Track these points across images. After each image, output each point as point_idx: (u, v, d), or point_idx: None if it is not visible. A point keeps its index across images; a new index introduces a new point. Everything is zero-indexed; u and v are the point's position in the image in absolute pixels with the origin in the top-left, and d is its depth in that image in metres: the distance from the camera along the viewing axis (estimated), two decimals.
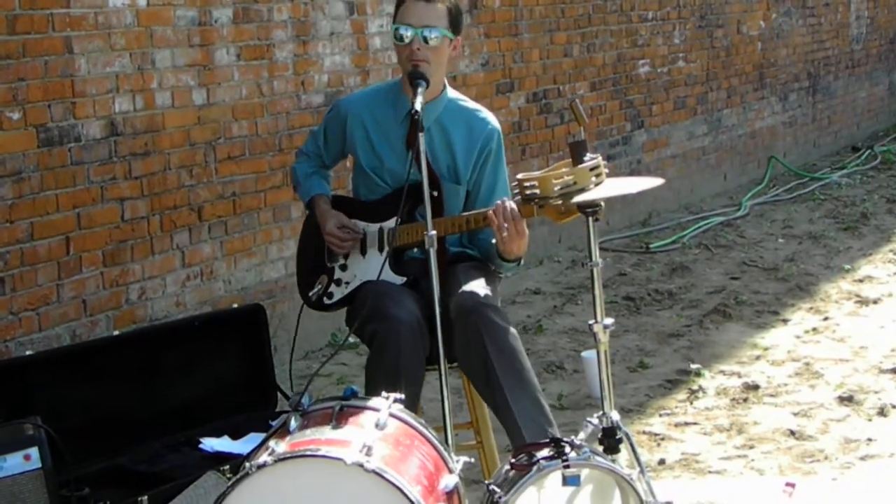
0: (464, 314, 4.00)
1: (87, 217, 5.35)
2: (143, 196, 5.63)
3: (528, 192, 3.86)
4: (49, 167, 5.17)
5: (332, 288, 4.33)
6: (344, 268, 4.33)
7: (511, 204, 3.94)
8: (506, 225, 3.92)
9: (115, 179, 5.49)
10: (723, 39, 11.01)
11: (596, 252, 3.80)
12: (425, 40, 4.11)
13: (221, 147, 6.07)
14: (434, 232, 3.76)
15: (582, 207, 3.76)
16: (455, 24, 4.19)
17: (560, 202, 3.80)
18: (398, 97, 4.26)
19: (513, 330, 4.07)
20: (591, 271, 3.80)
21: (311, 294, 4.34)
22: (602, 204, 3.78)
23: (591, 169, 3.78)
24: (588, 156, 3.80)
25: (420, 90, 3.95)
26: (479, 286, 4.11)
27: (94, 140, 5.39)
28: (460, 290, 4.07)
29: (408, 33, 4.11)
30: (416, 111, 3.81)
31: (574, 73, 8.94)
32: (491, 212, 3.96)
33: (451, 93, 4.35)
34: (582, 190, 3.76)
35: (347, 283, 4.31)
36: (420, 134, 3.78)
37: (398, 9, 4.21)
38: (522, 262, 4.20)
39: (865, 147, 13.25)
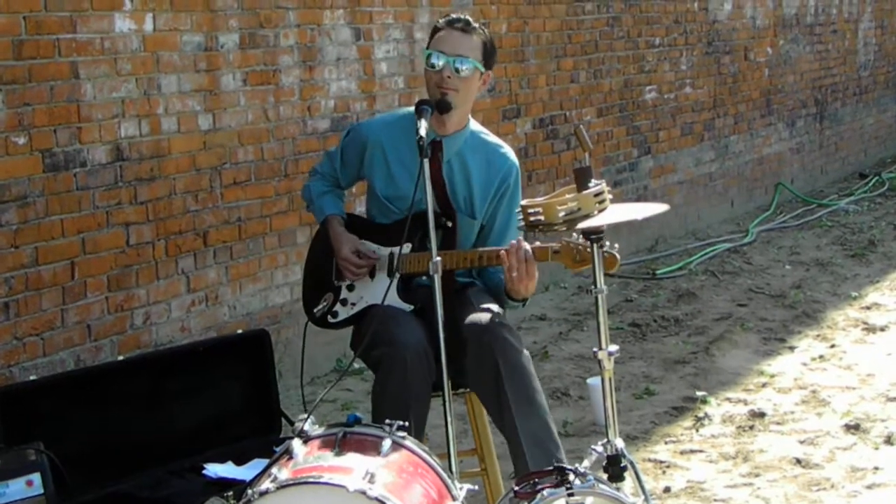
0: (478, 333, 4.02)
1: (92, 242, 5.35)
2: (148, 221, 5.63)
3: (532, 218, 3.84)
4: (54, 192, 5.18)
5: (338, 307, 4.32)
6: (351, 288, 4.32)
7: (526, 246, 3.95)
8: (517, 265, 3.93)
9: (120, 204, 5.49)
10: (730, 66, 11.02)
11: (601, 279, 3.79)
12: (457, 70, 4.13)
13: (227, 172, 6.08)
14: (439, 258, 3.76)
15: (586, 234, 3.75)
16: (488, 58, 4.23)
17: (564, 228, 3.79)
18: (414, 125, 4.26)
19: (526, 352, 4.09)
20: (596, 298, 3.79)
21: (315, 310, 4.34)
22: (604, 230, 3.77)
23: (596, 195, 3.77)
24: (593, 182, 3.80)
25: (425, 116, 3.96)
26: (493, 307, 4.13)
27: (100, 165, 5.39)
28: (477, 309, 4.09)
29: (440, 62, 4.13)
30: (421, 137, 3.83)
31: (581, 99, 8.95)
32: (504, 251, 3.97)
33: (474, 125, 4.36)
34: (586, 216, 3.75)
35: (353, 303, 4.30)
36: (425, 160, 3.79)
37: (433, 35, 4.23)
38: (528, 302, 4.20)
39: (873, 174, 13.24)
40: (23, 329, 5.05)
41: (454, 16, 4.24)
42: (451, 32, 4.17)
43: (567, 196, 3.82)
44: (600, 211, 3.78)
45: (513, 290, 4.03)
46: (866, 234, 10.26)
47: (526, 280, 3.97)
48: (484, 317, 4.07)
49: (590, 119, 9.02)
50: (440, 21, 4.27)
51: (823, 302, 8.04)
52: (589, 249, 3.79)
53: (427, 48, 4.23)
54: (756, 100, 11.53)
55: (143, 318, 5.64)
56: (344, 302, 4.32)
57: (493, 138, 4.39)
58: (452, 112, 4.15)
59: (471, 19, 4.23)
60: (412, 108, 4.22)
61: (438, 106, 4.11)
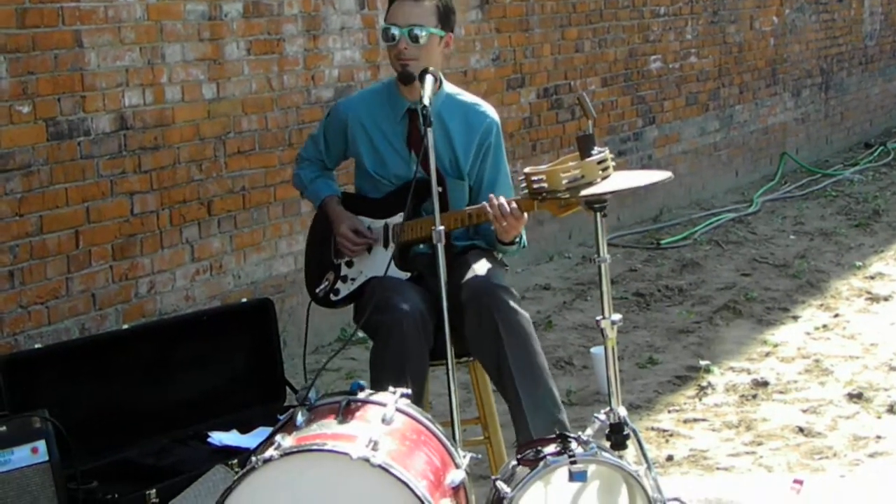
0: (476, 296, 4.03)
1: (96, 211, 5.36)
2: (152, 190, 5.63)
3: (535, 185, 3.85)
4: (58, 161, 5.18)
5: (339, 284, 4.34)
6: (350, 264, 4.33)
7: (500, 200, 3.97)
8: (501, 218, 3.97)
9: (124, 173, 5.49)
10: (735, 35, 10.98)
11: (604, 247, 3.79)
12: (413, 39, 4.12)
13: (231, 141, 6.07)
14: (442, 227, 3.76)
15: (589, 202, 3.76)
16: (445, 20, 4.20)
17: (568, 195, 3.79)
18: (394, 96, 4.28)
19: (525, 313, 4.09)
20: (599, 266, 3.80)
21: (317, 290, 4.35)
22: (608, 198, 3.78)
23: (599, 162, 3.78)
24: (596, 149, 3.80)
25: (428, 83, 3.95)
26: (491, 270, 4.14)
27: (104, 134, 5.39)
28: (475, 273, 4.10)
29: (395, 32, 4.12)
30: (425, 105, 3.82)
31: (585, 69, 8.93)
32: (486, 204, 4.00)
33: (449, 87, 4.36)
34: (590, 183, 3.76)
35: (353, 279, 4.32)
36: (428, 129, 3.79)
37: (388, 8, 4.22)
38: (524, 242, 4.22)
39: (878, 144, 13.21)
40: (28, 297, 5.06)
41: None
42: (402, 4, 4.15)
43: (570, 164, 3.83)
44: (604, 178, 3.78)
45: (504, 236, 4.08)
46: (871, 204, 10.25)
47: (516, 226, 4.02)
48: (482, 280, 4.08)
49: (594, 89, 9.00)
50: None
51: (827, 272, 8.04)
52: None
53: (384, 22, 4.21)
54: (761, 69, 11.50)
55: (148, 286, 5.65)
56: (345, 279, 4.34)
57: (469, 97, 4.39)
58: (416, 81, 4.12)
59: None
60: (388, 79, 4.23)
61: (401, 78, 4.15)
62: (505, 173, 4.37)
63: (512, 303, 4.06)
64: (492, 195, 4.03)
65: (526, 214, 4.00)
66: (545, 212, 4.03)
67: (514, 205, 3.96)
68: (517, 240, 4.18)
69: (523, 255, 4.22)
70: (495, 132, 4.34)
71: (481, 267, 4.15)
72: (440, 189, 4.09)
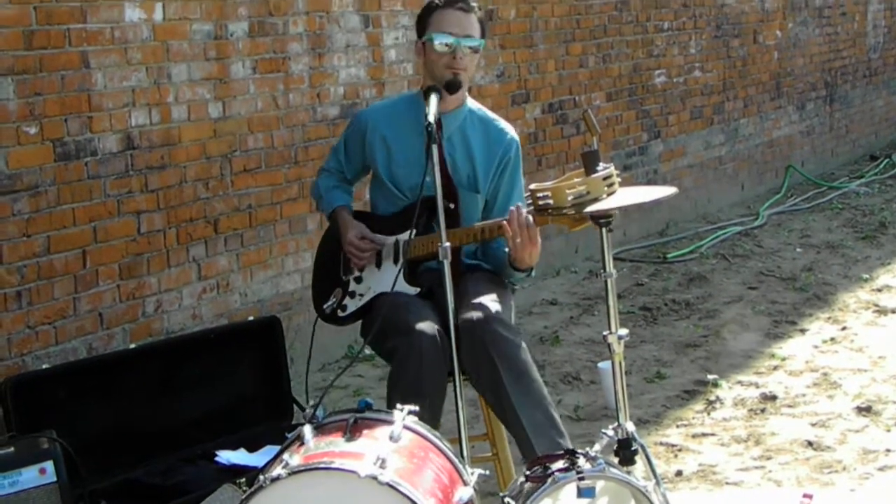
0: (470, 329, 3.97)
1: (103, 230, 5.37)
2: (159, 209, 5.65)
3: (541, 202, 3.86)
4: (66, 181, 5.19)
5: (347, 300, 4.32)
6: (359, 280, 4.33)
7: (524, 210, 3.94)
8: (518, 231, 3.92)
9: (131, 193, 5.51)
10: (739, 49, 10.99)
11: (610, 262, 3.80)
12: (471, 50, 4.15)
13: (237, 160, 6.09)
14: (448, 244, 3.75)
15: (595, 217, 3.76)
16: (484, 31, 4.25)
17: (573, 212, 3.79)
18: (419, 109, 4.22)
19: (522, 343, 4.04)
20: (606, 282, 3.80)
21: (325, 307, 4.34)
22: (614, 213, 3.78)
23: (604, 178, 3.78)
24: (601, 165, 3.80)
25: (434, 100, 3.95)
26: (488, 299, 4.09)
27: (111, 154, 5.41)
28: (469, 304, 4.06)
29: (452, 42, 4.13)
30: (430, 123, 3.81)
31: (590, 84, 8.94)
32: (504, 221, 3.96)
33: (472, 103, 4.38)
34: (595, 199, 3.76)
35: (362, 294, 4.31)
36: (434, 146, 3.78)
37: (429, 15, 4.21)
38: (534, 272, 4.20)
39: (883, 156, 13.20)
40: (35, 318, 5.07)
41: None
42: (455, 13, 4.17)
43: (576, 180, 3.83)
44: (609, 194, 3.78)
45: (517, 259, 4.03)
46: (877, 216, 10.24)
47: (529, 247, 3.96)
48: (476, 313, 4.02)
49: (599, 103, 9.01)
50: (435, 1, 4.23)
51: (834, 284, 8.03)
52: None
53: (427, 30, 4.20)
54: (766, 83, 11.51)
55: (155, 305, 5.65)
56: (352, 294, 4.33)
57: (491, 114, 4.41)
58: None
59: None
60: (409, 92, 4.22)
61: (448, 86, 4.12)
62: (520, 191, 4.36)
63: (507, 334, 4.00)
64: (516, 206, 3.97)
65: (539, 242, 3.98)
66: (552, 226, 4.02)
67: (529, 217, 3.95)
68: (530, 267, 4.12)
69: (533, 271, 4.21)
70: (515, 150, 4.35)
71: (480, 295, 4.11)
72: (452, 205, 4.10)
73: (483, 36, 4.22)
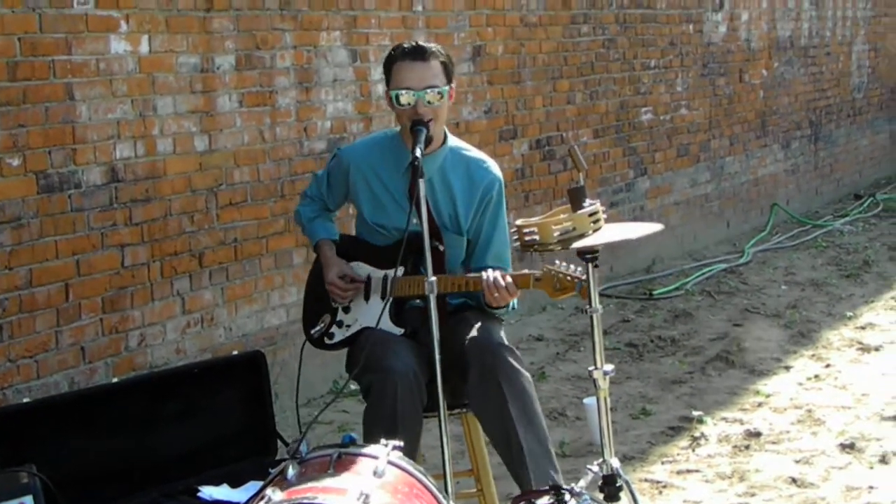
0: (480, 355, 4.00)
1: (86, 263, 5.34)
2: (143, 242, 5.63)
3: (527, 238, 3.85)
4: (49, 213, 5.17)
5: (334, 329, 4.33)
6: (347, 310, 4.32)
7: (495, 275, 3.97)
8: (497, 292, 3.97)
9: (115, 226, 5.49)
10: (725, 87, 11.04)
11: (596, 299, 3.79)
12: (429, 103, 4.07)
13: (223, 193, 6.07)
14: (434, 278, 3.76)
15: (581, 253, 3.76)
16: (450, 75, 4.17)
17: (559, 248, 3.79)
18: (399, 149, 4.23)
19: (527, 374, 4.08)
20: (591, 318, 3.79)
21: (313, 331, 4.34)
22: (600, 249, 3.78)
23: (590, 215, 3.78)
24: (587, 202, 3.80)
25: (421, 137, 3.94)
26: (492, 328, 4.13)
27: (95, 186, 5.39)
28: (477, 331, 4.08)
29: (410, 97, 4.06)
30: (417, 157, 3.81)
31: (577, 121, 8.96)
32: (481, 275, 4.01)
33: (453, 141, 4.34)
34: (581, 236, 3.76)
35: (349, 325, 4.31)
36: (420, 180, 3.78)
37: (390, 72, 4.14)
38: (514, 304, 4.19)
39: (867, 195, 13.27)
40: (16, 351, 5.03)
41: (406, 45, 4.13)
42: (412, 64, 4.08)
43: (562, 216, 3.83)
44: (595, 230, 3.79)
45: (492, 303, 4.06)
46: (861, 255, 10.26)
47: (510, 298, 4.02)
48: (485, 339, 4.06)
49: (586, 140, 9.03)
50: (393, 52, 4.16)
51: (819, 322, 8.04)
52: (570, 279, 3.82)
53: (389, 87, 4.13)
54: (751, 121, 11.56)
55: (138, 339, 5.62)
56: (340, 324, 4.33)
57: (474, 153, 4.36)
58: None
59: (423, 44, 4.14)
60: (391, 130, 4.21)
61: (413, 128, 4.05)
62: (502, 230, 4.34)
63: (515, 363, 4.03)
64: (485, 272, 4.00)
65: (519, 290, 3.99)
66: (536, 254, 4.04)
67: (508, 279, 3.95)
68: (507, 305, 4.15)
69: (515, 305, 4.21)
70: (497, 189, 4.32)
71: (482, 325, 4.13)
72: (441, 247, 4.10)
73: (448, 77, 4.14)
